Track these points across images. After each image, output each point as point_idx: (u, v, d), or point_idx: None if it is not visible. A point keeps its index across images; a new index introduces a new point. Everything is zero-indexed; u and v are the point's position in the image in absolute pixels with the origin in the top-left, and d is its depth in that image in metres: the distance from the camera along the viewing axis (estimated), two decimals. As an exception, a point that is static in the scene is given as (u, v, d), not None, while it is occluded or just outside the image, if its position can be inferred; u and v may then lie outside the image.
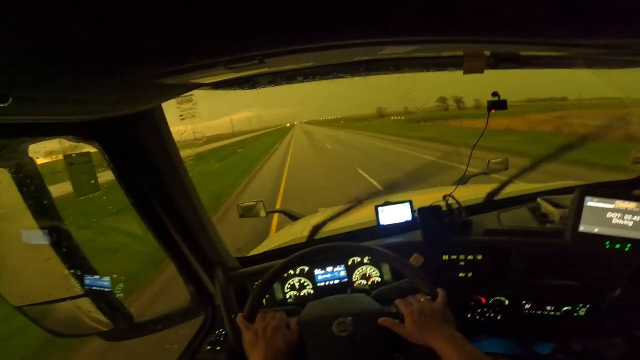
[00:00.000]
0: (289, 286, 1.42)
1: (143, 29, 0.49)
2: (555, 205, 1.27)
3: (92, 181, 0.78)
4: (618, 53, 0.92)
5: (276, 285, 1.41)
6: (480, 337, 1.45)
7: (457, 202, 1.39)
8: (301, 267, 1.42)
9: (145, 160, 0.98)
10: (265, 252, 1.54)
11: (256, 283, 1.08)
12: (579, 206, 1.04)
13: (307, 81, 1.05)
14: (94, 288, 1.14)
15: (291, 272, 1.42)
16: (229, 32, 0.53)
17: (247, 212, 1.73)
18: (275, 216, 4.66)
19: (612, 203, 1.00)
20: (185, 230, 1.15)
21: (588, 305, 1.25)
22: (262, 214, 1.75)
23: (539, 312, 1.31)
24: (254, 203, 1.72)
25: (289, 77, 1.00)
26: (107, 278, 1.15)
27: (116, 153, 0.90)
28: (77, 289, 1.14)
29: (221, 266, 1.31)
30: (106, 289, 1.16)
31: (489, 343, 1.45)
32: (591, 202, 1.02)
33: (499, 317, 1.36)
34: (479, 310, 1.37)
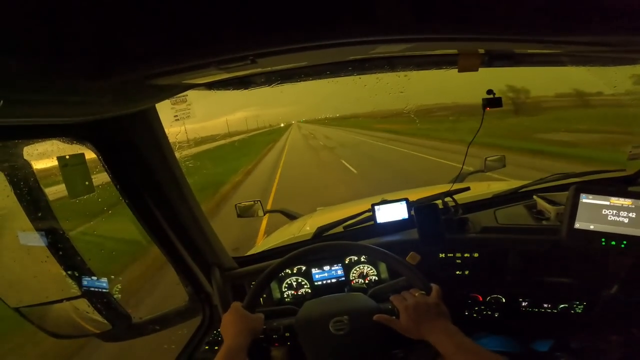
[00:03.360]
0: (287, 285, 1.43)
1: (135, 30, 0.49)
2: (551, 202, 1.26)
3: (87, 182, 0.78)
4: (611, 50, 0.91)
5: (273, 285, 1.42)
6: (478, 334, 1.46)
7: (454, 200, 1.39)
8: (298, 267, 1.42)
9: (140, 161, 0.98)
10: (262, 252, 1.55)
11: (253, 283, 1.09)
12: (575, 203, 1.04)
13: (302, 81, 1.06)
14: (91, 289, 1.15)
15: (288, 271, 1.42)
16: (220, 32, 0.53)
17: (245, 212, 1.74)
18: (265, 217, 4.68)
19: (607, 200, 1.00)
20: (182, 231, 1.15)
21: (585, 303, 1.24)
22: (260, 213, 1.76)
23: (536, 310, 1.31)
24: (251, 203, 1.73)
25: (283, 76, 1.00)
26: (104, 279, 1.15)
27: (110, 154, 0.90)
28: (74, 290, 1.14)
29: (218, 266, 1.32)
30: (104, 290, 1.16)
31: (488, 340, 1.45)
32: (586, 199, 1.02)
33: (496, 315, 1.36)
34: (476, 308, 1.37)
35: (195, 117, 0.93)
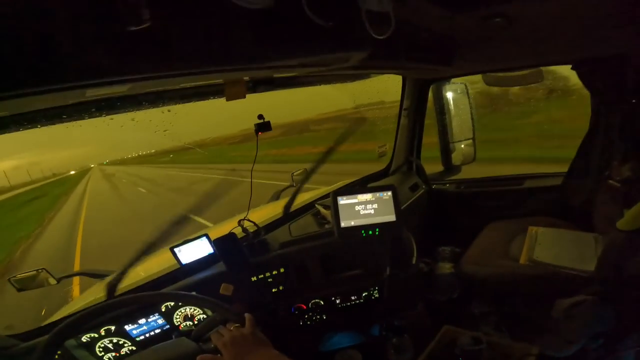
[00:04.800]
0: (102, 348, 1.22)
1: None
2: (328, 207, 1.44)
3: None
4: (332, 69, 1.09)
5: (81, 353, 1.19)
6: (326, 336, 1.52)
7: (255, 224, 1.43)
8: (107, 327, 1.23)
9: None
10: (58, 321, 1.27)
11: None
12: (335, 206, 1.21)
13: (34, 127, 0.92)
14: None
15: (94, 335, 1.22)
16: None
17: (28, 285, 1.40)
18: (74, 283, 4.00)
19: (355, 198, 1.20)
20: None
21: (377, 287, 1.43)
22: (52, 282, 1.45)
23: (349, 304, 1.45)
24: (33, 273, 1.40)
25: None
26: None
27: None
28: None
29: None
30: None
31: (337, 339, 1.52)
32: (342, 201, 1.20)
33: (324, 317, 1.45)
34: (305, 316, 1.43)
35: None
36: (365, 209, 1.19)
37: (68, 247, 8.13)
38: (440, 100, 1.73)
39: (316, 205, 1.50)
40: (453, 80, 1.71)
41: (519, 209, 1.63)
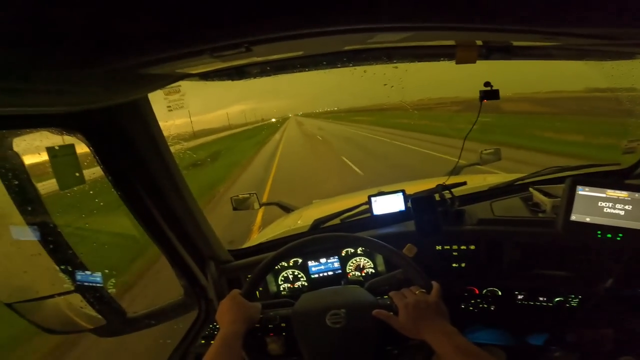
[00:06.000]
0: (283, 278, 1.42)
1: (126, 16, 0.47)
2: (547, 194, 1.26)
3: (77, 174, 0.76)
4: (609, 44, 0.90)
5: (270, 278, 1.41)
6: (474, 327, 1.46)
7: (451, 192, 1.38)
8: (294, 259, 1.42)
9: (132, 152, 0.97)
10: (258, 245, 1.54)
11: (249, 276, 1.08)
12: (571, 195, 1.03)
13: (298, 71, 1.04)
14: (84, 284, 1.13)
15: (284, 264, 1.42)
16: (214, 18, 0.51)
17: (241, 205, 1.73)
18: (261, 211, 4.69)
19: (603, 192, 0.99)
20: (176, 224, 1.14)
21: (580, 297, 1.24)
22: (256, 206, 1.75)
23: (532, 303, 1.30)
24: (247, 195, 1.72)
25: (279, 67, 0.99)
26: (98, 274, 1.13)
27: (101, 145, 0.88)
28: (67, 285, 1.13)
29: (213, 259, 1.31)
30: (97, 285, 1.15)
31: (483, 334, 1.45)
32: (583, 191, 1.02)
33: (492, 308, 1.36)
34: (472, 301, 1.37)
35: (188, 108, 0.91)
36: (612, 207, 0.99)
37: (263, 180, 10.16)
38: None
39: (531, 189, 1.34)
40: None
41: None
